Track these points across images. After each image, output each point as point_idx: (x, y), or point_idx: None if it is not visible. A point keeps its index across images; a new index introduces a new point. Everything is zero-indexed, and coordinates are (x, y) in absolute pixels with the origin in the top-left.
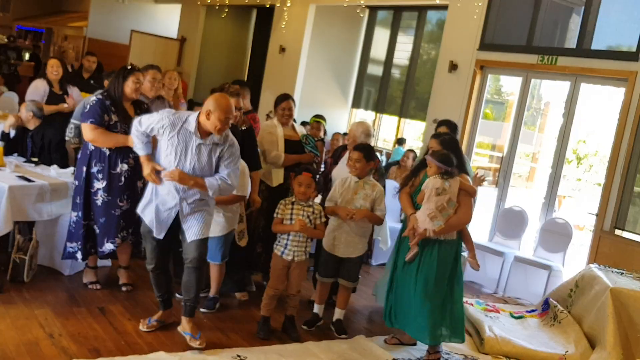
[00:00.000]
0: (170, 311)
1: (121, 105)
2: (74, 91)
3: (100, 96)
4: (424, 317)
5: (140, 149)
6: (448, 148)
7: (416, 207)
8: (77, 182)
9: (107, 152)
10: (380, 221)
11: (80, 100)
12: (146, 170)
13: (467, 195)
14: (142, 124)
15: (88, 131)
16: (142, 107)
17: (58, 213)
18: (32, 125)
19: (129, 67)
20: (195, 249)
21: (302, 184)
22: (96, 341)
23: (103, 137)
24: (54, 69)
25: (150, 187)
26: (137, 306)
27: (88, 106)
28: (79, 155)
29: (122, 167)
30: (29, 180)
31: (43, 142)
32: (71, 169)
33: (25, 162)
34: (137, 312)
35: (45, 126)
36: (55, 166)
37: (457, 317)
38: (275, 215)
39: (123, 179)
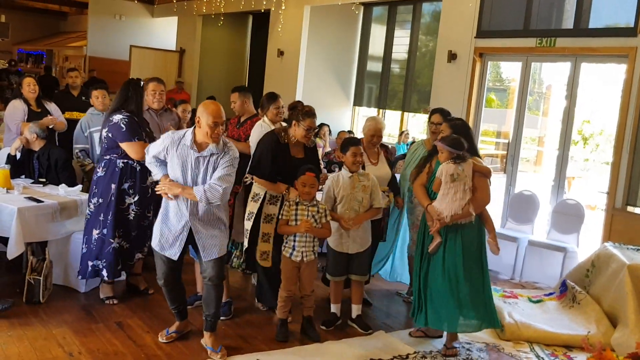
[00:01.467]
0: (186, 321)
1: (143, 120)
2: (51, 107)
3: (127, 114)
4: (453, 307)
5: (157, 173)
6: (460, 132)
7: (432, 196)
8: (101, 200)
9: (138, 167)
10: (379, 213)
11: (58, 116)
12: (162, 183)
13: (482, 176)
14: (150, 152)
15: (140, 149)
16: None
17: (69, 231)
18: (37, 146)
19: (141, 82)
20: (214, 268)
21: (306, 184)
22: (116, 356)
23: None
24: (30, 87)
25: (162, 209)
26: (154, 318)
27: (123, 125)
28: (99, 174)
29: (151, 179)
30: (38, 201)
31: (49, 162)
32: (79, 187)
33: (32, 183)
34: (155, 324)
35: (50, 146)
36: (63, 185)
37: (490, 304)
38: (280, 216)
39: (150, 190)
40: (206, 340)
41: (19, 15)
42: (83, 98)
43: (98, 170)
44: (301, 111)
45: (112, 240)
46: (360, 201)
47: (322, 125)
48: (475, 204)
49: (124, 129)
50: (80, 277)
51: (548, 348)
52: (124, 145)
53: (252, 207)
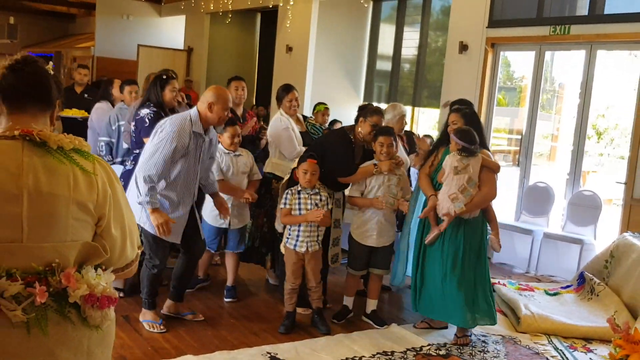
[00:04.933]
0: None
1: (168, 114)
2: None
3: (154, 108)
4: (453, 300)
5: (156, 202)
6: (470, 122)
7: (437, 187)
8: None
9: None
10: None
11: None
12: (160, 220)
13: (490, 171)
14: (159, 165)
15: None
16: None
17: None
18: None
19: (164, 76)
20: (201, 245)
21: (308, 171)
22: (122, 349)
23: None
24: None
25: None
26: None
27: (148, 120)
28: (128, 167)
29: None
30: None
31: None
32: None
33: None
34: (163, 317)
35: None
36: None
37: (487, 298)
38: (282, 205)
39: None
40: (179, 308)
41: (26, 18)
42: (86, 95)
43: (127, 163)
44: (370, 109)
45: None
46: (395, 194)
47: (334, 121)
48: (479, 199)
49: (147, 124)
50: None
51: (566, 340)
52: (146, 141)
53: None
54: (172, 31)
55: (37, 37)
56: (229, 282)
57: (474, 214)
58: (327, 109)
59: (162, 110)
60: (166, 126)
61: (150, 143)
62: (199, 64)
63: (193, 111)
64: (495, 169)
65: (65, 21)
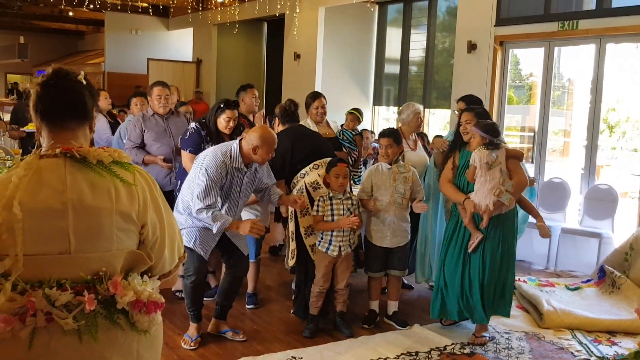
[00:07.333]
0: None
1: (217, 136)
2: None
3: (198, 124)
4: (486, 299)
5: (227, 220)
6: (483, 118)
7: (467, 188)
8: None
9: None
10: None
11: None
12: (247, 228)
13: (516, 160)
14: (209, 198)
15: (187, 160)
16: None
17: None
18: None
19: (222, 104)
20: (245, 262)
21: (339, 175)
22: None
23: None
24: (108, 99)
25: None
26: (185, 320)
27: (188, 134)
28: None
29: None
30: None
31: None
32: None
33: None
34: (186, 325)
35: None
36: None
37: (510, 294)
38: (315, 212)
39: None
40: (221, 326)
41: (36, 37)
42: None
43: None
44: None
45: None
46: (402, 194)
47: (352, 114)
48: (515, 189)
49: (186, 137)
50: None
51: (590, 334)
52: (182, 153)
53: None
54: (180, 44)
55: (47, 55)
56: (249, 289)
57: (510, 205)
58: (351, 114)
59: (207, 130)
60: (206, 161)
61: (195, 175)
62: (208, 75)
63: (235, 147)
64: (519, 156)
65: (74, 38)
